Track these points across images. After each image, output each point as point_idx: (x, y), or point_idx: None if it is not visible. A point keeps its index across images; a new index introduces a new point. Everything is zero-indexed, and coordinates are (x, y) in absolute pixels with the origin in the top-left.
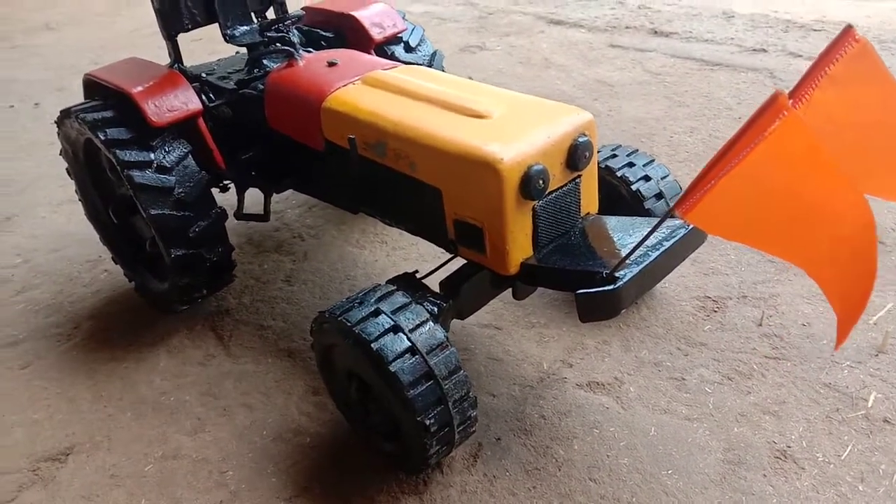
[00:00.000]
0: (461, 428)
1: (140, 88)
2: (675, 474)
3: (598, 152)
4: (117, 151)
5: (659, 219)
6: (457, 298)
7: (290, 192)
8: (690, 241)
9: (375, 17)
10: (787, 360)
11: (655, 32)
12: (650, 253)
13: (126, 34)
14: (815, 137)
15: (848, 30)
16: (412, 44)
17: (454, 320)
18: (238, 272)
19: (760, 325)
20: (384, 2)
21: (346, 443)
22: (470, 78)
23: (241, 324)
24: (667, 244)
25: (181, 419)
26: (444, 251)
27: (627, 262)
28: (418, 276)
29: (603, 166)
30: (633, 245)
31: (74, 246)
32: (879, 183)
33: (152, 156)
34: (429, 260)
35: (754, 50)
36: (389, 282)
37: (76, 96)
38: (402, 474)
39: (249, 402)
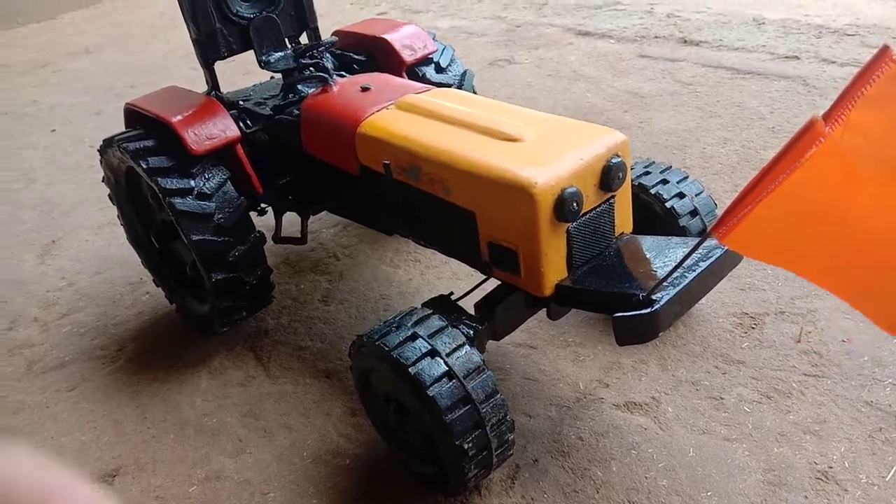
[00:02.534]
0: (499, 451)
1: (180, 117)
2: (715, 496)
3: (631, 169)
4: (159, 179)
5: (694, 238)
6: (492, 320)
7: (324, 212)
8: (727, 262)
9: (406, 39)
10: (826, 377)
11: (685, 41)
12: (687, 274)
13: (161, 56)
14: (852, 163)
15: (884, 50)
16: (443, 64)
17: (489, 341)
18: (276, 292)
19: (799, 341)
20: (413, 23)
21: (384, 465)
22: None
23: (279, 344)
24: (703, 265)
25: (223, 440)
26: (477, 271)
27: (664, 284)
28: (453, 297)
29: (636, 183)
30: (671, 267)
31: (116, 269)
32: None
33: (193, 183)
34: (462, 278)
35: (787, 57)
36: (425, 305)
37: (113, 119)
38: (440, 496)
39: (289, 423)
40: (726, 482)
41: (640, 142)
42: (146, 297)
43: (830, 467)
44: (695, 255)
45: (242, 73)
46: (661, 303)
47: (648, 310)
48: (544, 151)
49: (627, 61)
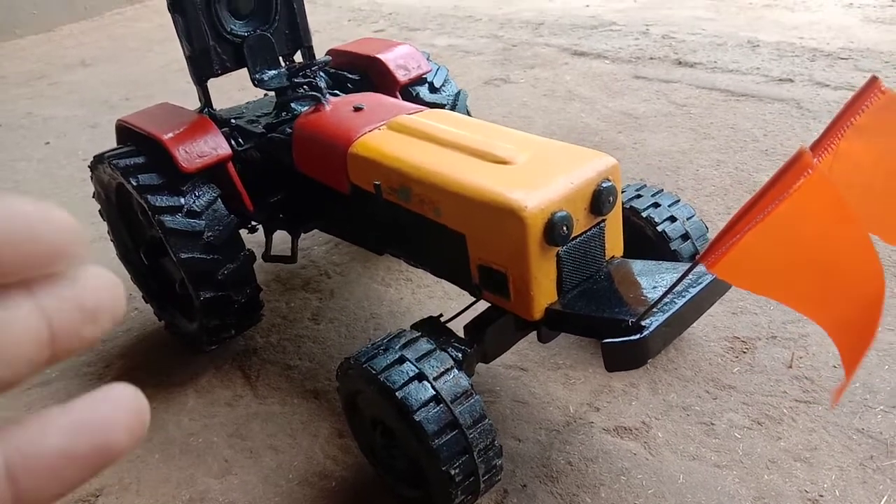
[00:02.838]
0: (486, 477)
1: (171, 135)
2: None
3: (623, 192)
4: (149, 197)
5: (685, 264)
6: (481, 343)
7: (315, 230)
8: (717, 288)
9: (400, 59)
10: (818, 403)
11: (680, 63)
12: (677, 300)
13: (157, 69)
14: (841, 194)
15: (873, 81)
16: (436, 84)
17: (478, 363)
18: (265, 310)
19: (790, 367)
20: (408, 42)
21: (370, 488)
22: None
23: (268, 363)
24: (693, 290)
25: (209, 461)
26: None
27: (654, 309)
28: (442, 319)
29: (628, 206)
30: (661, 292)
31: None
32: None
33: (182, 200)
34: (454, 298)
35: (780, 80)
36: (414, 326)
37: (108, 133)
38: None
39: (276, 444)
40: None
41: (633, 163)
42: (135, 313)
43: (821, 495)
44: (685, 281)
45: (238, 88)
46: (650, 329)
47: (637, 336)
48: (535, 175)
49: (622, 82)
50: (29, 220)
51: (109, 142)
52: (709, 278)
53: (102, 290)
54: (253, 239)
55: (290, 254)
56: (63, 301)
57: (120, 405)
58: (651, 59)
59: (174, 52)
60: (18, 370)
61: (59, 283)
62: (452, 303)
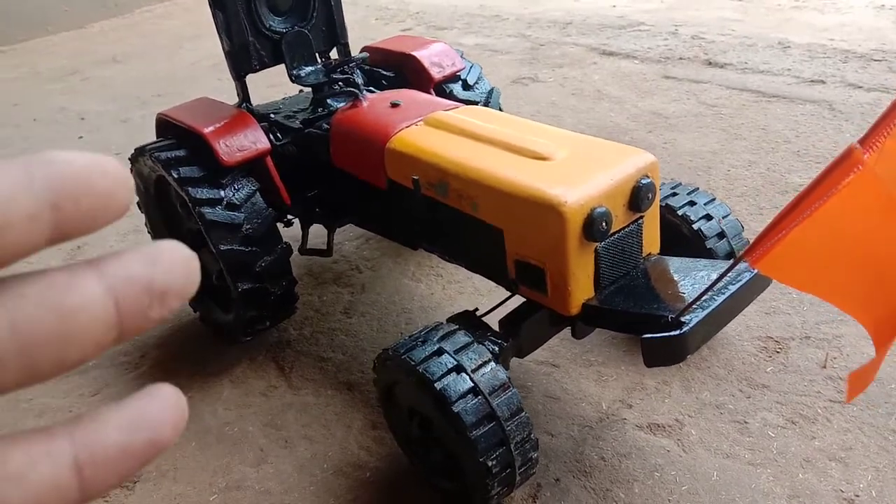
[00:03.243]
0: (522, 469)
1: (212, 128)
2: None
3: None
4: (190, 189)
5: (722, 261)
6: (517, 337)
7: (348, 224)
8: (756, 286)
9: (435, 56)
10: (852, 404)
11: (710, 63)
12: (716, 297)
13: (187, 66)
14: (889, 192)
15: None
16: (470, 82)
17: (512, 358)
18: (298, 303)
19: (824, 367)
20: (441, 40)
21: (405, 479)
22: None
23: (301, 355)
24: (732, 288)
25: (244, 450)
26: (498, 285)
27: (693, 306)
28: (477, 313)
29: (663, 204)
30: (699, 289)
31: None
32: None
33: (222, 193)
34: (484, 294)
35: (812, 81)
36: (450, 320)
37: (139, 127)
38: None
39: (310, 434)
40: None
41: (664, 162)
42: None
43: (857, 495)
44: (724, 278)
45: (268, 85)
46: (691, 325)
47: (678, 331)
48: (574, 170)
49: (652, 82)
50: (87, 173)
51: (142, 136)
52: (748, 276)
53: (176, 265)
54: (287, 233)
55: (325, 247)
56: (132, 282)
57: (166, 404)
58: (680, 59)
59: (204, 50)
60: (87, 352)
61: (128, 260)
62: (483, 299)
